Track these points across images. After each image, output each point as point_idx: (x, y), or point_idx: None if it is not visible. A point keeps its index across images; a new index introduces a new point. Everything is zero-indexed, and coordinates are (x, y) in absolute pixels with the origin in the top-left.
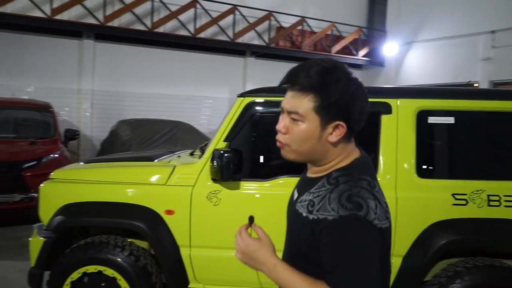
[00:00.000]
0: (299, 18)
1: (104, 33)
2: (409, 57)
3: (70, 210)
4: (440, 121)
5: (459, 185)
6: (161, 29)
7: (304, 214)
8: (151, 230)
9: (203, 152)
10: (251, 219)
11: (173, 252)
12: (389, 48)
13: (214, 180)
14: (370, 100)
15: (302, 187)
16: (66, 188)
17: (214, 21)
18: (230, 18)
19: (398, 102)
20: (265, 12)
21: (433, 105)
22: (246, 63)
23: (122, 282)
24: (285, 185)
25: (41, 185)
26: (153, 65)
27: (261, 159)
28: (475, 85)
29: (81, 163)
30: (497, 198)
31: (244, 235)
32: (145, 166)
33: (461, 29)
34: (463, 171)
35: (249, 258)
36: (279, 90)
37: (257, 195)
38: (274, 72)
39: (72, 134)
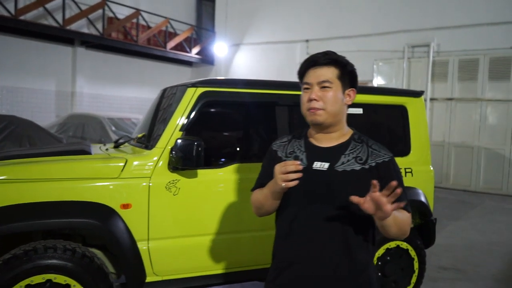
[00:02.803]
0: (133, 10)
1: None
2: (237, 57)
3: (2, 216)
4: (355, 111)
5: None
6: None
7: (358, 168)
8: (107, 227)
9: (143, 143)
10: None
11: (131, 248)
12: (219, 48)
13: (174, 169)
14: None
15: (324, 156)
16: None
17: (40, 2)
18: (57, 1)
19: None
20: (98, 0)
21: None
22: (76, 53)
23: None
24: (237, 171)
25: None
26: None
27: (215, 147)
28: None
29: None
30: (409, 170)
31: None
32: (92, 159)
33: (281, 36)
34: None
35: None
36: (229, 82)
37: (213, 182)
38: (106, 65)
39: None
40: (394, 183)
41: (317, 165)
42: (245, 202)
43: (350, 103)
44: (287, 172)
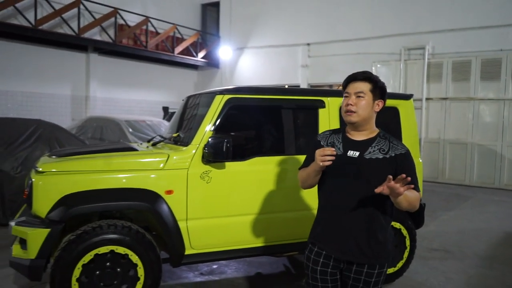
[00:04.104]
0: (143, 17)
1: None
2: (242, 60)
3: (74, 199)
4: None
5: None
6: None
7: (381, 157)
8: (156, 209)
9: (179, 141)
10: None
11: (174, 226)
12: (224, 52)
13: (207, 162)
14: (311, 98)
15: (356, 147)
16: (65, 179)
17: (58, 13)
18: (72, 11)
19: (329, 99)
20: (109, 9)
21: None
22: (89, 60)
23: (133, 257)
24: (258, 163)
25: (33, 179)
26: None
27: (239, 144)
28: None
29: (54, 157)
30: None
31: None
32: (140, 154)
33: (284, 40)
34: None
35: None
36: (251, 90)
37: (239, 172)
38: (118, 70)
39: None
40: (403, 175)
41: (350, 153)
42: (265, 188)
43: (378, 110)
44: (324, 155)
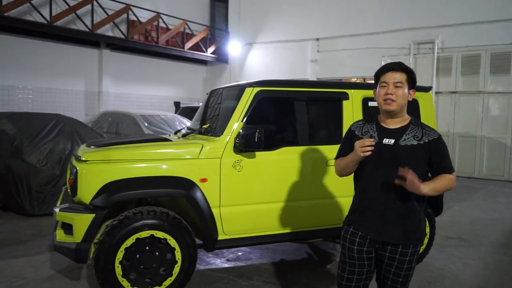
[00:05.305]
0: (154, 13)
1: None
2: (251, 56)
3: (116, 186)
4: (374, 104)
5: None
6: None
7: (415, 143)
8: (192, 195)
9: (209, 132)
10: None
11: (208, 212)
12: (233, 47)
13: (239, 151)
14: (335, 90)
15: (391, 134)
16: (108, 168)
17: (72, 9)
18: (85, 7)
19: (352, 91)
20: (121, 5)
21: (371, 94)
22: (102, 55)
23: (172, 241)
24: (286, 152)
25: (77, 167)
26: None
27: (268, 134)
28: None
29: (92, 147)
30: None
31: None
32: (175, 145)
33: (293, 35)
34: None
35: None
36: (279, 83)
37: (268, 161)
38: (129, 65)
39: None
40: (401, 169)
41: (386, 141)
42: (293, 176)
43: (410, 99)
44: (364, 146)
